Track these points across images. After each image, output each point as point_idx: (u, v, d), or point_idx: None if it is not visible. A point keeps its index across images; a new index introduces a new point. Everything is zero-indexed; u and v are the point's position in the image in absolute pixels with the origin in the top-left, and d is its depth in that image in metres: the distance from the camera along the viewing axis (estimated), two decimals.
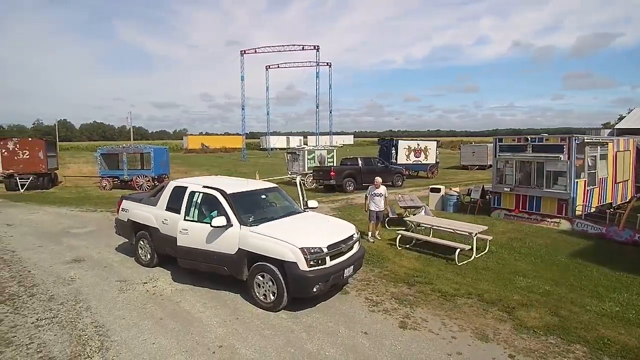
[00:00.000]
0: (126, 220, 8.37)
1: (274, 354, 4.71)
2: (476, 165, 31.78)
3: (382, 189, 9.78)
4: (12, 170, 20.42)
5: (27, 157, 20.62)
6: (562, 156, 11.07)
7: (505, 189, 12.43)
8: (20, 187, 20.19)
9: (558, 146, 11.27)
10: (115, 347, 4.83)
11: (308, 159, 22.24)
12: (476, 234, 8.39)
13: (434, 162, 26.12)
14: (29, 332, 5.22)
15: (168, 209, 7.36)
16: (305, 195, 8.24)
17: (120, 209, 8.62)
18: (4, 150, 20.60)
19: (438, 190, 14.37)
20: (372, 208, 9.70)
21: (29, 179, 20.41)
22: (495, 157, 12.93)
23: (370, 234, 9.82)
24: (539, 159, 11.63)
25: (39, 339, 5.01)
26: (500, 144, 12.81)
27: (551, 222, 11.41)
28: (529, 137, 12.18)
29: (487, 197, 13.82)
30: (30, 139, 22.37)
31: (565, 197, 11.13)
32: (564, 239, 10.13)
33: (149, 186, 19.53)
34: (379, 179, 9.89)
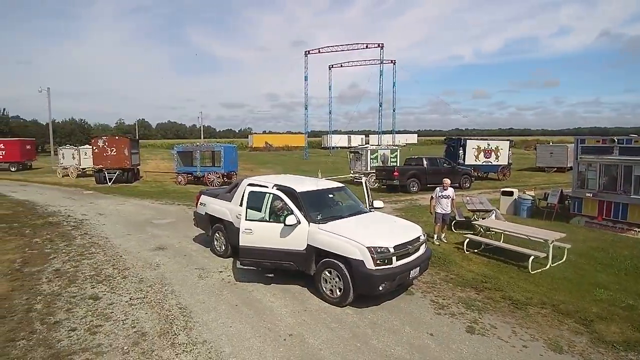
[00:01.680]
0: (204, 214, 9.02)
1: (341, 346, 4.89)
2: (554, 167, 29.48)
3: (450, 191, 9.55)
4: (101, 166, 22.79)
5: (114, 153, 22.85)
6: None
7: (588, 194, 11.54)
8: (108, 180, 22.46)
9: None
10: (198, 327, 5.31)
11: (371, 158, 22.18)
12: (553, 241, 7.91)
13: (506, 164, 24.70)
14: (124, 309, 5.88)
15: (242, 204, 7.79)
16: (371, 195, 8.32)
17: (199, 203, 9.29)
18: (94, 148, 23.07)
19: (510, 194, 13.67)
20: (438, 210, 9.53)
21: (115, 173, 22.64)
22: (577, 159, 12.02)
23: (435, 236, 9.66)
24: (627, 162, 10.66)
25: (132, 316, 5.64)
26: (583, 145, 11.89)
27: (639, 231, 10.42)
28: (615, 138, 11.19)
29: (566, 202, 12.91)
30: (117, 137, 24.65)
31: None
32: None
33: (219, 182, 20.75)
34: (447, 181, 9.67)
